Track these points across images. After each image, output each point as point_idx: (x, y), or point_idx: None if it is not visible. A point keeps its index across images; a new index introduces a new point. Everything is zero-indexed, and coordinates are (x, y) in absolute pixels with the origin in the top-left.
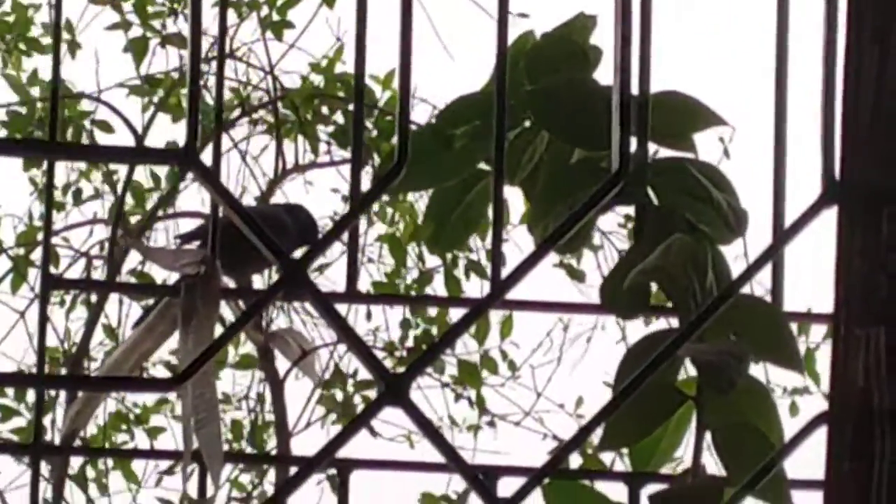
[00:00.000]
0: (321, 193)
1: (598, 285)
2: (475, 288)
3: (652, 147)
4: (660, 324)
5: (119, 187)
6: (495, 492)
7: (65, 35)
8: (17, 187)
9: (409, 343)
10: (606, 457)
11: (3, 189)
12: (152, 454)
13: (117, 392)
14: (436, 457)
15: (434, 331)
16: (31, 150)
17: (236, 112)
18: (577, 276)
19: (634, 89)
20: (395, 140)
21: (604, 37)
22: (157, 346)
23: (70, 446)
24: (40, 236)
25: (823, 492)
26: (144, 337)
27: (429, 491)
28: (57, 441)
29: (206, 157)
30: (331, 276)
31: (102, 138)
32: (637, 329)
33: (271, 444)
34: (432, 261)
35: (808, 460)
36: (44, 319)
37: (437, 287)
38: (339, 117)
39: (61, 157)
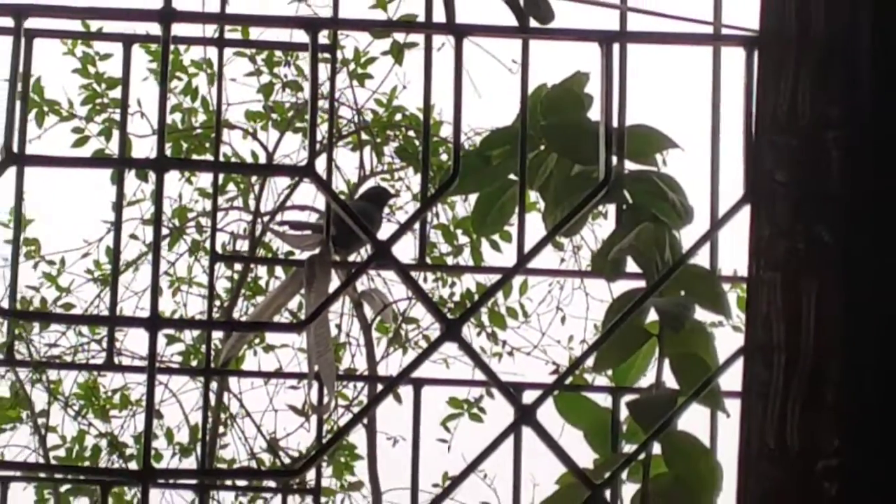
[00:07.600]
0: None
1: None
2: (491, 258)
3: (627, 163)
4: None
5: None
6: (521, 400)
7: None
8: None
9: (457, 298)
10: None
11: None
12: (284, 375)
13: (261, 332)
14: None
15: (473, 289)
16: (202, 166)
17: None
18: (558, 246)
19: (615, 122)
20: (443, 157)
21: (594, 86)
22: (288, 300)
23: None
24: (193, 215)
25: (740, 400)
26: (279, 293)
27: (454, 395)
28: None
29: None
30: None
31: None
32: (599, 288)
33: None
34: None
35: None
36: (212, 283)
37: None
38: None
39: (222, 170)
